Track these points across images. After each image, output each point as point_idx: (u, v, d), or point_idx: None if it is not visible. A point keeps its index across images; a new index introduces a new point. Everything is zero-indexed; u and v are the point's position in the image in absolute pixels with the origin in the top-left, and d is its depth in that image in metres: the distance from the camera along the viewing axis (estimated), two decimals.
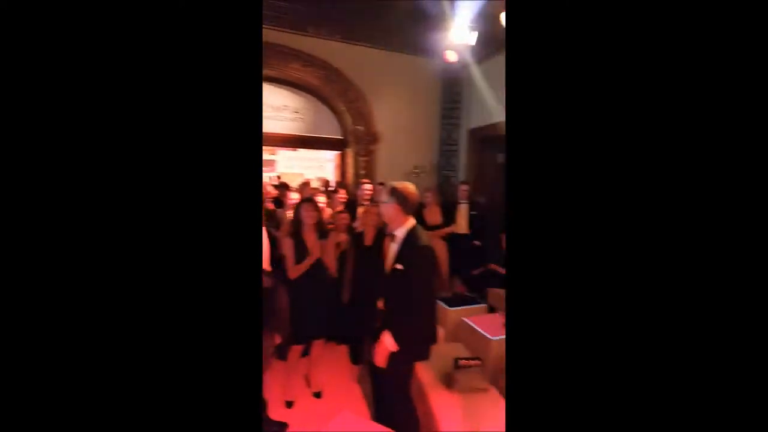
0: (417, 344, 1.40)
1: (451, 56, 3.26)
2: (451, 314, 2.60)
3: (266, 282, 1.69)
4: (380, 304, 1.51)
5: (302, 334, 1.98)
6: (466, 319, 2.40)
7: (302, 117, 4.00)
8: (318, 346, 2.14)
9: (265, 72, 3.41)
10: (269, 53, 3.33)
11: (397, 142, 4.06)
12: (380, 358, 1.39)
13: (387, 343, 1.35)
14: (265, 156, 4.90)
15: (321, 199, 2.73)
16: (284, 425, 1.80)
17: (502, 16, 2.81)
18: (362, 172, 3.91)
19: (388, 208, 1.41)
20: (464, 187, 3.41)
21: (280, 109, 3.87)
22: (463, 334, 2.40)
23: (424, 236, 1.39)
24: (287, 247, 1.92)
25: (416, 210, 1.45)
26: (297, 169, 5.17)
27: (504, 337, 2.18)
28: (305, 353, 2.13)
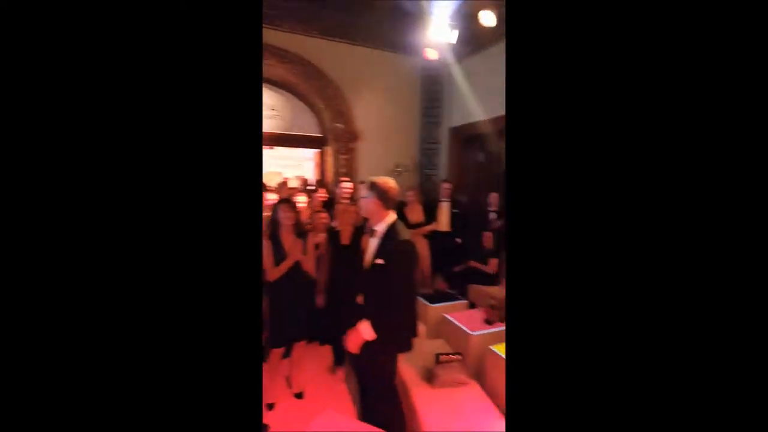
0: (398, 336, 1.40)
1: (432, 54, 3.28)
2: (432, 311, 2.61)
3: None
4: (360, 299, 1.49)
5: (282, 337, 1.94)
6: (447, 316, 2.42)
7: (279, 114, 3.92)
8: (299, 348, 2.10)
9: None
10: None
11: (377, 140, 4.05)
12: (353, 345, 1.37)
13: (363, 331, 1.33)
14: None
15: (301, 199, 2.68)
16: (265, 426, 1.76)
17: (481, 15, 2.85)
18: (342, 170, 3.87)
19: (369, 203, 1.39)
20: (446, 186, 3.45)
21: None
22: (444, 330, 2.42)
23: (405, 231, 1.38)
24: (265, 248, 1.88)
25: (397, 205, 1.45)
26: (275, 167, 5.07)
27: (484, 332, 2.21)
28: (286, 355, 2.09)
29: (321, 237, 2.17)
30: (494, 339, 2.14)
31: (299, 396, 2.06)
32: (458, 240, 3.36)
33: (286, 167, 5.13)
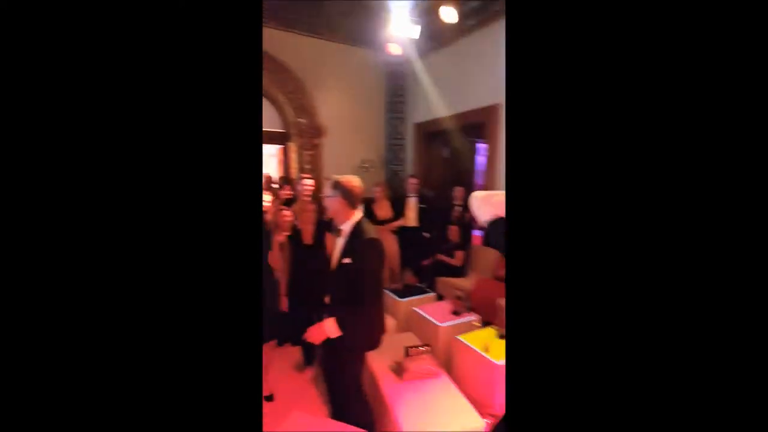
0: (365, 334, 1.40)
1: (395, 50, 3.28)
2: (401, 305, 2.65)
3: None
4: (327, 299, 1.48)
5: None
6: (415, 308, 2.47)
7: None
8: (268, 349, 2.05)
9: None
10: None
11: (342, 135, 4.00)
12: (316, 337, 1.36)
13: (328, 328, 1.33)
14: None
15: (266, 198, 2.60)
16: None
17: (442, 11, 2.88)
18: (307, 166, 3.80)
19: (333, 202, 1.38)
20: (413, 181, 3.49)
21: None
22: (414, 323, 2.47)
23: (371, 229, 1.38)
24: None
25: (361, 203, 1.44)
26: None
27: (452, 322, 2.28)
28: None
29: (285, 236, 2.13)
30: (462, 329, 2.22)
31: (269, 398, 2.02)
32: (426, 234, 3.42)
33: None
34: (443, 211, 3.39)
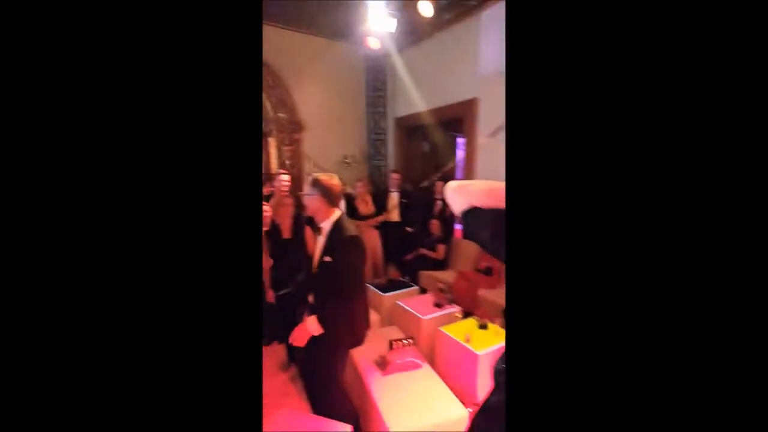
0: (348, 332, 1.42)
1: (373, 43, 3.25)
2: (385, 300, 2.68)
3: None
4: (311, 298, 1.48)
5: None
6: (399, 302, 2.50)
7: None
8: None
9: None
10: None
11: (323, 130, 3.96)
12: (299, 338, 1.37)
13: (310, 326, 1.33)
14: None
15: None
16: None
17: (419, 5, 2.88)
18: (288, 162, 3.75)
19: (312, 201, 1.37)
20: (395, 176, 3.50)
21: None
22: (397, 316, 2.50)
23: (352, 226, 1.39)
24: None
25: (340, 200, 1.44)
26: None
27: (434, 315, 2.33)
28: None
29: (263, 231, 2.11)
30: (444, 321, 2.27)
31: None
32: (409, 229, 3.45)
33: None
34: (424, 206, 3.42)
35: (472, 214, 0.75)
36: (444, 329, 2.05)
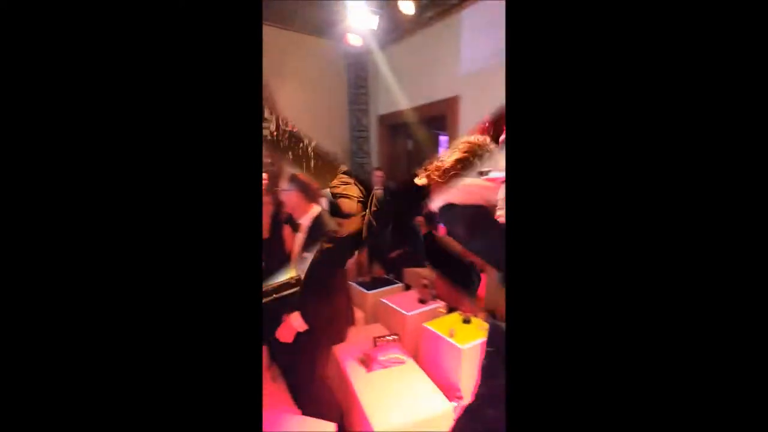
0: (330, 328, 1.40)
1: (354, 40, 3.24)
2: (369, 297, 2.67)
3: None
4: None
5: None
6: (383, 299, 2.49)
7: None
8: None
9: None
10: None
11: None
12: (285, 335, 1.36)
13: (294, 321, 1.31)
14: None
15: None
16: None
17: (400, 4, 2.88)
18: (268, 160, 3.68)
19: (290, 197, 1.35)
20: (379, 174, 3.48)
21: None
22: (382, 313, 2.49)
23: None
24: None
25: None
26: None
27: (419, 311, 2.33)
28: None
29: None
30: (428, 317, 2.28)
31: None
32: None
33: None
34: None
35: (447, 210, 0.76)
36: (428, 324, 2.06)
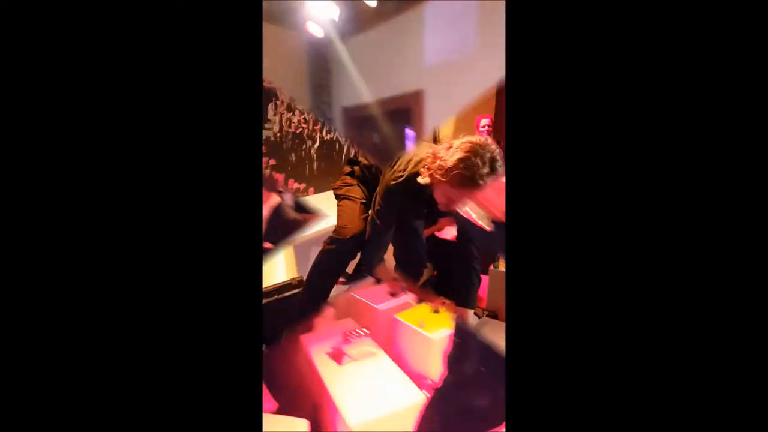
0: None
1: (315, 30, 3.14)
2: (340, 292, 2.63)
3: None
4: None
5: None
6: (353, 293, 2.47)
7: None
8: None
9: None
10: None
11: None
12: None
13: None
14: None
15: None
16: None
17: None
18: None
19: None
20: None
21: None
22: (353, 308, 2.47)
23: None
24: None
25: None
26: None
27: (389, 304, 2.34)
28: None
29: None
30: (399, 309, 2.29)
31: None
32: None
33: None
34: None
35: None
36: (398, 316, 2.07)
